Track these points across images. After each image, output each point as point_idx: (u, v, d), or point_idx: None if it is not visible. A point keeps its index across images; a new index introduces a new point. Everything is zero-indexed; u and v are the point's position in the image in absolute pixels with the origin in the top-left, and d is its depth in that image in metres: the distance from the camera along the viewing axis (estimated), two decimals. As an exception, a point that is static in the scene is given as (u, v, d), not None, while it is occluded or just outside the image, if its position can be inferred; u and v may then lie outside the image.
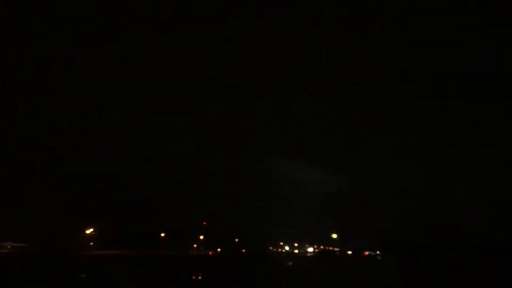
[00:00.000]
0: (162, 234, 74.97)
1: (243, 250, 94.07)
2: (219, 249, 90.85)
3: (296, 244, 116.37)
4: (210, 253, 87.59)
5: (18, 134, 67.55)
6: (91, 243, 64.90)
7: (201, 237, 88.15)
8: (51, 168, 68.72)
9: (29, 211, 61.78)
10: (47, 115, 69.74)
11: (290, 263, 59.96)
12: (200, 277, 33.93)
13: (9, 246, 66.28)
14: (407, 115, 67.20)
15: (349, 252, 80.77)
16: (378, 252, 75.14)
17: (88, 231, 65.00)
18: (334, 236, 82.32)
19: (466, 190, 50.90)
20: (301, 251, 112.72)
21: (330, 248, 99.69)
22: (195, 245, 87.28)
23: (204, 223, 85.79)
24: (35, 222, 60.46)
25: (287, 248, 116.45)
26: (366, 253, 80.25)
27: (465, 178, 53.50)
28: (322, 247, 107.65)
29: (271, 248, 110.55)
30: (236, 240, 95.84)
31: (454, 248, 38.27)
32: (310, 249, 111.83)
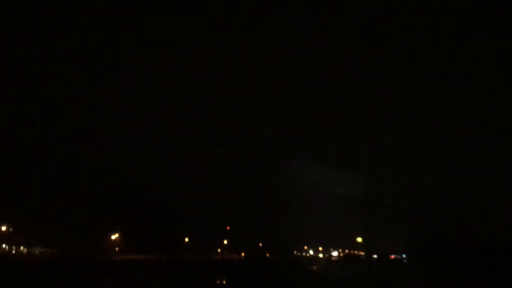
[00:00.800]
0: (186, 239, 75.34)
1: (267, 255, 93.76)
2: (243, 254, 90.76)
3: (320, 248, 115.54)
4: (240, 255, 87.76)
5: (44, 140, 68.79)
6: (117, 248, 65.66)
7: (225, 242, 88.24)
8: (77, 174, 69.81)
9: (56, 217, 62.91)
10: (75, 120, 70.75)
11: (315, 267, 59.66)
12: (224, 281, 33.99)
13: (37, 252, 67.76)
14: (434, 116, 66.00)
15: (375, 256, 79.66)
16: (404, 256, 73.93)
17: (113, 236, 65.82)
18: (359, 239, 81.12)
19: (498, 189, 49.71)
20: (326, 255, 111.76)
21: (355, 252, 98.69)
22: (219, 250, 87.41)
23: (228, 228, 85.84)
24: (62, 228, 61.50)
25: (311, 252, 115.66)
26: (392, 256, 79.02)
27: (496, 177, 52.24)
28: (347, 251, 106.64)
29: (295, 252, 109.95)
30: (260, 244, 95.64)
31: (485, 250, 37.28)
32: (335, 253, 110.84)
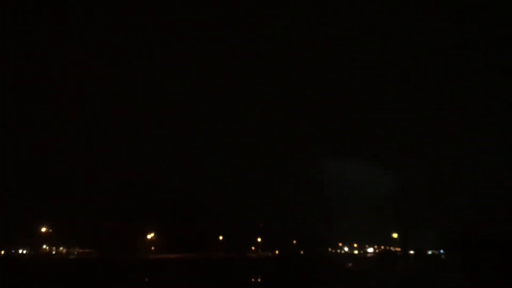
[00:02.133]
0: (220, 237, 75.74)
1: (301, 252, 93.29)
2: (277, 251, 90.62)
3: (355, 245, 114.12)
4: (274, 252, 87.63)
5: (85, 145, 70.71)
6: (152, 247, 66.60)
7: (259, 239, 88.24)
8: (114, 176, 71.35)
9: (94, 218, 64.40)
10: (109, 120, 72.35)
11: (350, 264, 58.96)
12: (259, 279, 33.99)
13: (76, 252, 69.46)
14: (471, 105, 64.29)
15: (411, 252, 78.23)
16: (442, 251, 72.28)
17: (149, 236, 66.81)
18: (395, 235, 79.86)
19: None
20: (361, 251, 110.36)
21: (391, 248, 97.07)
22: (253, 248, 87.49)
23: (262, 225, 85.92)
24: (99, 229, 62.92)
25: (346, 249, 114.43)
26: (429, 252, 77.41)
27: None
28: (382, 247, 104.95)
29: (330, 249, 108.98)
30: (294, 241, 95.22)
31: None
32: (370, 250, 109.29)
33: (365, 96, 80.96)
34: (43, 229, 62.61)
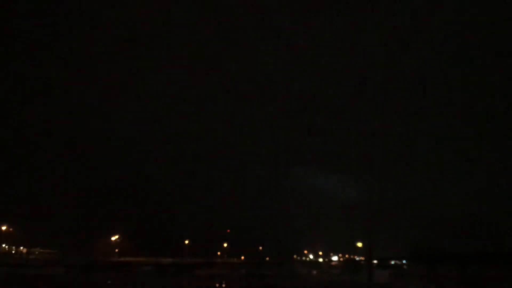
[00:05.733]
0: (186, 242, 75.19)
1: (267, 258, 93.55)
2: (242, 257, 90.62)
3: (320, 253, 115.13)
4: (240, 258, 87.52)
5: (48, 143, 69.04)
6: (116, 250, 65.53)
7: (225, 245, 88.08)
8: (78, 176, 69.97)
9: (56, 218, 62.93)
10: (70, 122, 70.94)
11: (315, 272, 59.54)
12: (224, 285, 33.94)
13: (36, 252, 67.63)
14: (436, 118, 65.96)
15: (375, 261, 79.33)
16: (404, 262, 73.63)
17: (113, 238, 65.71)
18: (359, 244, 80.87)
19: (498, 197, 49.57)
20: (326, 259, 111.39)
21: (355, 257, 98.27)
22: (219, 253, 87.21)
23: (228, 231, 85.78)
24: (62, 229, 61.54)
25: (311, 256, 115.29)
26: (392, 262, 78.73)
27: (497, 185, 52.10)
28: (347, 256, 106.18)
29: (295, 256, 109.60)
30: (260, 248, 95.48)
31: (484, 257, 37.08)
32: (335, 258, 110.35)
33: (332, 104, 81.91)
34: (3, 228, 60.76)
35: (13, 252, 68.10)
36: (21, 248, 69.85)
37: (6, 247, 67.47)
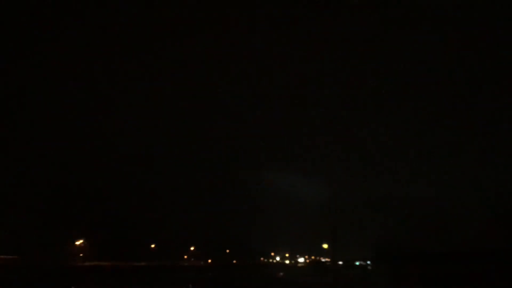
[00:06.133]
0: (153, 245, 74.52)
1: (234, 261, 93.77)
2: (210, 260, 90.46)
3: (287, 255, 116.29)
4: (207, 262, 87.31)
5: (6, 144, 66.92)
6: (81, 254, 64.24)
7: (192, 248, 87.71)
8: (40, 179, 68.16)
9: (18, 223, 61.13)
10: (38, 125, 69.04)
11: (282, 274, 59.89)
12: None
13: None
14: (404, 118, 67.37)
15: (340, 263, 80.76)
16: (368, 262, 75.20)
17: (78, 243, 64.38)
18: (325, 246, 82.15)
19: (463, 196, 51.10)
20: (292, 261, 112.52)
21: (321, 258, 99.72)
22: (185, 256, 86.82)
23: (195, 234, 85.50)
24: (22, 233, 59.79)
25: (277, 258, 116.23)
26: (357, 263, 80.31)
27: (462, 184, 53.75)
28: (313, 257, 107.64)
29: (262, 258, 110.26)
30: (227, 251, 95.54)
31: (448, 257, 38.28)
32: (301, 260, 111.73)
33: (299, 106, 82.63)
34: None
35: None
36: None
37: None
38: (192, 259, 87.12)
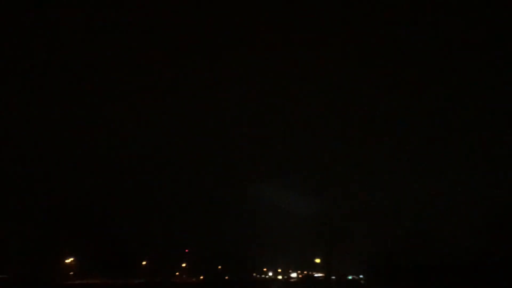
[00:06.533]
0: (144, 262, 73.74)
1: (226, 277, 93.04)
2: (202, 277, 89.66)
3: (279, 270, 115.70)
4: (199, 278, 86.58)
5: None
6: (71, 273, 63.37)
7: (184, 265, 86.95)
8: (30, 196, 67.44)
9: (6, 241, 60.32)
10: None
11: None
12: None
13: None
14: (391, 133, 68.09)
15: (333, 277, 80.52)
16: (361, 276, 75.15)
17: (68, 260, 63.55)
18: (318, 260, 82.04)
19: (454, 210, 51.58)
20: (285, 277, 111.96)
21: (314, 273, 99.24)
22: (177, 273, 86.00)
23: (187, 250, 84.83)
24: (14, 253, 58.96)
25: (270, 274, 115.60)
26: (349, 277, 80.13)
27: (452, 199, 54.26)
28: (305, 272, 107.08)
29: (254, 274, 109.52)
30: (219, 267, 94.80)
31: (441, 270, 38.46)
32: (294, 275, 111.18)
33: (288, 119, 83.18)
34: None
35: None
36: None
37: None
38: (184, 276, 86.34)
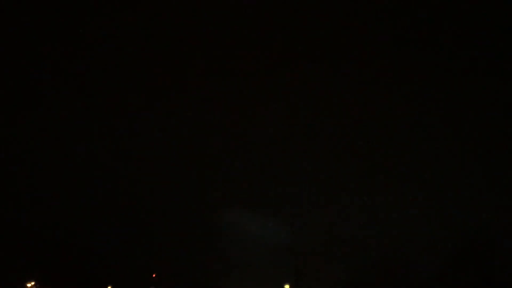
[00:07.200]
0: (109, 287, 71.55)
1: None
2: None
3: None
4: None
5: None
6: (32, 297, 61.08)
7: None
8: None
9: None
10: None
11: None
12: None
13: None
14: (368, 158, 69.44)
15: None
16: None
17: (29, 285, 61.28)
18: (287, 287, 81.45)
19: (423, 236, 52.62)
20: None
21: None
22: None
23: (154, 275, 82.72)
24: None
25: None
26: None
27: (419, 224, 55.44)
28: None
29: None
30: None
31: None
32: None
33: (261, 142, 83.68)
34: None
35: None
36: None
37: None
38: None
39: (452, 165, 57.18)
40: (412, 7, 56.12)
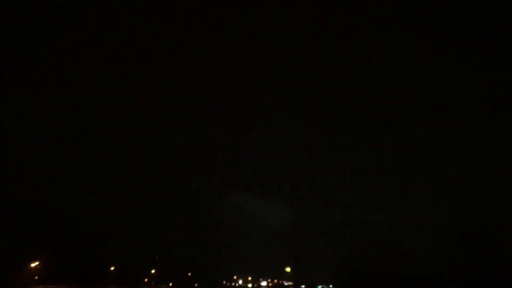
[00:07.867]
0: (112, 268, 72.44)
1: (196, 285, 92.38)
2: (171, 283, 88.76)
3: (249, 278, 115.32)
4: (168, 285, 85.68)
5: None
6: (36, 277, 61.82)
7: (153, 271, 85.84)
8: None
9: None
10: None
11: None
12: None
13: None
14: (361, 145, 69.17)
15: (303, 286, 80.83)
16: (331, 286, 75.66)
17: (33, 265, 61.99)
18: (288, 269, 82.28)
19: (420, 222, 52.54)
20: (255, 285, 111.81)
21: (284, 282, 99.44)
22: (146, 279, 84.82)
23: (156, 257, 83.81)
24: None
25: (240, 282, 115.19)
26: (319, 287, 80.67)
27: (419, 209, 55.34)
28: (276, 281, 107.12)
29: (224, 282, 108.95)
30: (189, 274, 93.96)
31: (407, 282, 39.12)
32: (264, 283, 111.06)
33: (262, 130, 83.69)
34: None
35: None
36: None
37: None
38: (153, 283, 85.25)
39: (451, 155, 56.78)
40: (412, 7, 55.20)
